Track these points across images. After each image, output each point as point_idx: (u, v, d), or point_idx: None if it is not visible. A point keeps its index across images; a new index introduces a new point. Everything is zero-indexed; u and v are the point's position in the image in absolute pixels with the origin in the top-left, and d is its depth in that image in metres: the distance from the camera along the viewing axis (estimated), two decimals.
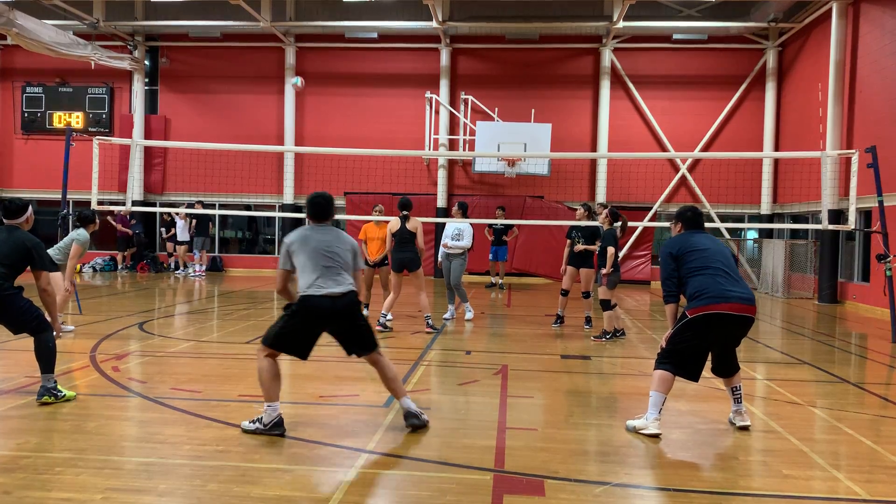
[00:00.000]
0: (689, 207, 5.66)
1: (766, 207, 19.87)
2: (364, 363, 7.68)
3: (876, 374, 8.24)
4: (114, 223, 19.91)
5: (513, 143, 18.35)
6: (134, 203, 14.89)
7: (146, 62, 21.58)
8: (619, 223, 9.48)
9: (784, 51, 19.80)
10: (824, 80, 16.37)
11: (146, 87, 21.63)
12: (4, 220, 5.90)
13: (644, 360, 8.32)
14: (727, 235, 20.20)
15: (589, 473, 4.36)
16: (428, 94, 20.49)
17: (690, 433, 5.28)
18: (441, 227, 19.75)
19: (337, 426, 5.21)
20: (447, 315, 11.28)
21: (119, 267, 20.38)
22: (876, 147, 10.56)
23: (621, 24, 18.65)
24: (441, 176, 20.56)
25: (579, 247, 10.30)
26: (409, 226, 9.85)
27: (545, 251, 19.11)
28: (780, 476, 4.40)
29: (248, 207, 21.36)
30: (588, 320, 10.58)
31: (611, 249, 9.24)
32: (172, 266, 20.41)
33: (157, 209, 19.04)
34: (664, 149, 20.07)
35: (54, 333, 5.74)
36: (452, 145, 20.64)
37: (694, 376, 5.24)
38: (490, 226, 16.58)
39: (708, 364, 5.41)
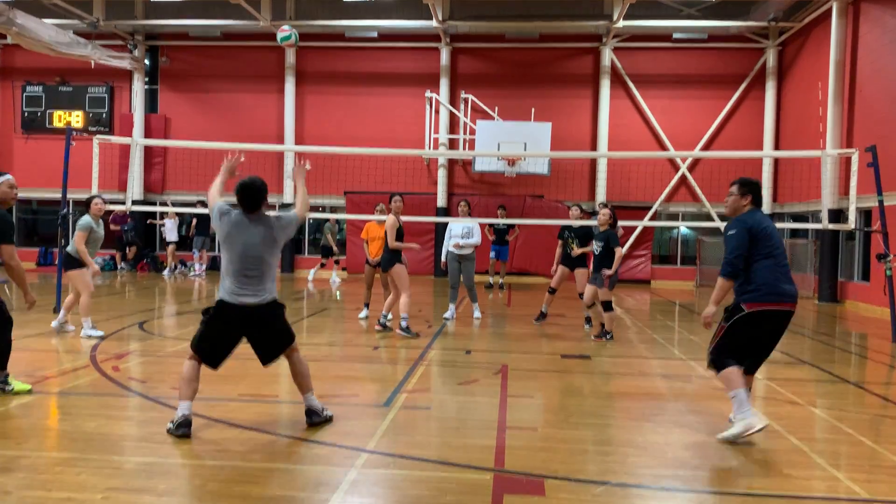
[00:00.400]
0: (756, 181, 5.40)
1: (766, 207, 19.84)
2: (364, 363, 7.72)
3: (876, 374, 8.24)
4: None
5: (513, 142, 18.35)
6: (134, 202, 14.87)
7: (146, 61, 21.58)
8: (618, 224, 9.56)
9: (784, 50, 19.79)
10: (824, 80, 16.36)
11: (146, 87, 21.64)
12: None
13: (644, 360, 8.32)
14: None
15: (589, 473, 4.36)
16: (428, 94, 20.49)
17: (690, 433, 5.27)
18: (441, 226, 19.84)
19: (337, 426, 5.21)
20: (448, 314, 11.25)
21: (118, 267, 20.38)
22: (876, 146, 10.56)
23: (621, 23, 18.65)
24: (441, 175, 20.56)
25: (578, 250, 10.28)
26: (385, 227, 9.72)
27: (545, 250, 19.05)
28: (781, 476, 4.40)
29: None
30: (588, 320, 10.58)
31: (619, 251, 9.27)
32: (172, 267, 20.36)
33: (157, 208, 19.06)
34: (664, 148, 20.07)
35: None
36: (452, 144, 20.64)
37: (752, 369, 5.20)
38: (491, 225, 16.49)
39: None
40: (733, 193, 5.33)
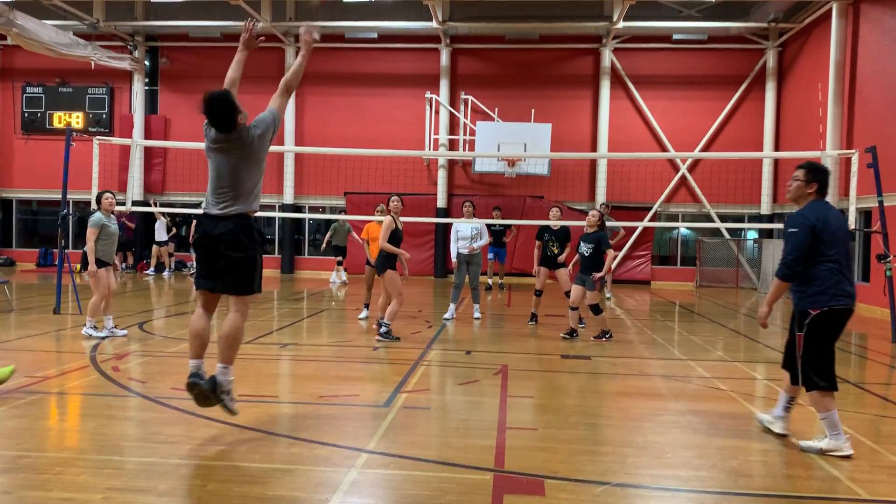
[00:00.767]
0: (823, 166, 4.93)
1: (766, 207, 19.87)
2: (364, 363, 7.71)
3: (876, 374, 8.24)
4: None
5: (513, 143, 18.36)
6: (134, 203, 14.88)
7: (146, 62, 21.60)
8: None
9: (784, 51, 19.80)
10: (824, 80, 16.37)
11: (146, 87, 21.66)
12: None
13: (644, 360, 8.32)
14: (727, 235, 20.21)
15: (589, 473, 4.36)
16: (428, 94, 20.50)
17: (690, 433, 5.27)
18: (441, 226, 19.86)
19: (337, 426, 5.21)
20: (447, 315, 11.26)
21: (123, 267, 20.37)
22: (876, 147, 10.56)
23: (621, 24, 18.66)
24: (441, 176, 20.57)
25: (569, 256, 10.33)
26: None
27: None
28: (781, 476, 4.40)
29: None
30: (580, 319, 10.61)
31: (612, 253, 9.27)
32: (171, 267, 20.36)
33: (156, 208, 19.02)
34: (664, 149, 20.08)
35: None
36: (452, 145, 20.65)
37: (835, 384, 4.84)
38: (488, 226, 16.36)
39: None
40: (798, 179, 4.91)
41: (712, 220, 19.73)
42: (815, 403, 4.83)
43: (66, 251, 11.70)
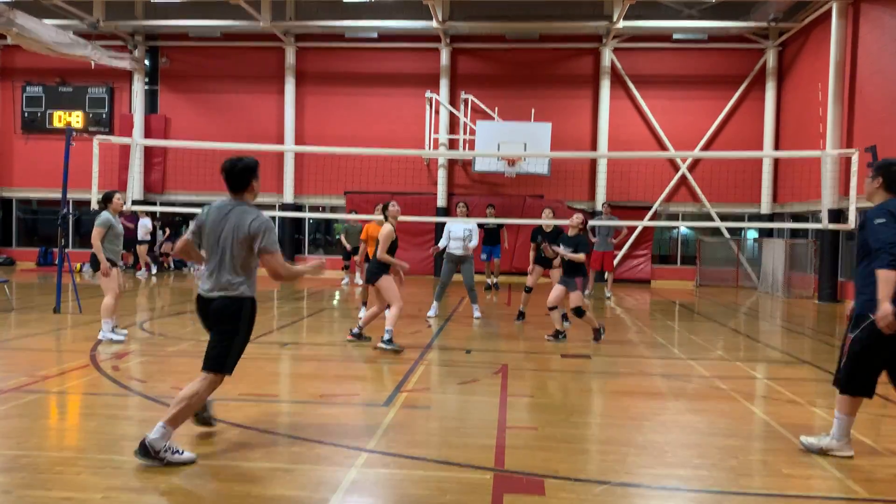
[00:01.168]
0: (890, 160, 4.72)
1: (766, 207, 19.87)
2: (364, 363, 7.71)
3: None
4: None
5: (513, 142, 18.34)
6: (134, 202, 14.88)
7: (146, 62, 21.60)
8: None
9: (784, 51, 19.80)
10: (824, 80, 16.37)
11: (146, 87, 21.66)
12: None
13: (644, 360, 8.32)
14: (727, 235, 20.22)
15: (589, 473, 4.36)
16: (428, 94, 20.50)
17: (690, 433, 5.27)
18: (441, 226, 19.79)
19: (337, 426, 5.21)
20: (431, 312, 11.37)
21: (124, 267, 20.30)
22: (876, 147, 10.55)
23: (621, 23, 18.65)
24: (441, 175, 20.57)
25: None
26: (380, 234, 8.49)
27: None
28: (780, 475, 4.40)
29: None
30: (564, 317, 10.70)
31: (581, 256, 9.10)
32: (158, 268, 20.12)
33: (158, 208, 19.05)
34: (664, 148, 20.08)
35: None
36: (452, 145, 20.65)
37: (871, 393, 4.71)
38: (481, 225, 15.58)
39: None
40: (868, 176, 4.80)
41: (712, 220, 19.73)
42: (841, 404, 4.78)
43: (66, 251, 11.70)
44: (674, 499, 4.06)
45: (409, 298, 13.70)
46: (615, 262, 18.01)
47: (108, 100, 21.74)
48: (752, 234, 20.76)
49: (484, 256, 16.37)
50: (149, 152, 21.39)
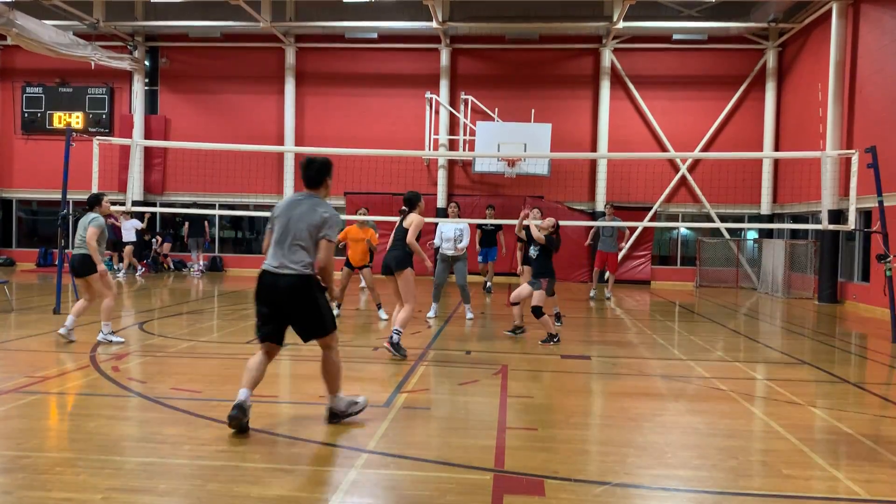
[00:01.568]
0: None
1: (766, 207, 19.87)
2: (367, 362, 7.71)
3: (876, 374, 8.24)
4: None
5: (513, 143, 18.34)
6: (134, 203, 14.88)
7: (146, 62, 21.60)
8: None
9: (784, 51, 19.80)
10: (824, 80, 16.37)
11: (146, 88, 21.65)
12: None
13: (644, 361, 8.32)
14: (727, 235, 20.22)
15: (589, 473, 4.36)
16: (428, 95, 20.50)
17: (690, 433, 5.27)
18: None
19: (337, 426, 5.21)
20: (431, 314, 11.38)
21: (115, 268, 20.27)
22: (876, 147, 10.56)
23: (621, 24, 18.65)
24: (441, 176, 20.58)
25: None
26: (405, 222, 8.47)
27: None
28: (780, 476, 4.40)
29: (247, 207, 21.31)
30: (557, 317, 10.93)
31: (540, 237, 9.16)
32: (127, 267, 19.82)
33: (158, 209, 19.06)
34: (664, 149, 20.08)
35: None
36: (452, 145, 20.65)
37: None
38: (480, 226, 15.53)
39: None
40: None
41: (712, 220, 19.73)
42: None
43: (66, 251, 11.69)
44: (674, 499, 4.06)
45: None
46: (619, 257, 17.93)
47: (108, 100, 21.74)
48: (751, 235, 20.76)
49: (480, 258, 16.02)
50: (149, 153, 21.39)
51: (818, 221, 12.91)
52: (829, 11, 16.21)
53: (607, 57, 20.12)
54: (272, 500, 3.80)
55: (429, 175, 20.81)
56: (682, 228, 20.75)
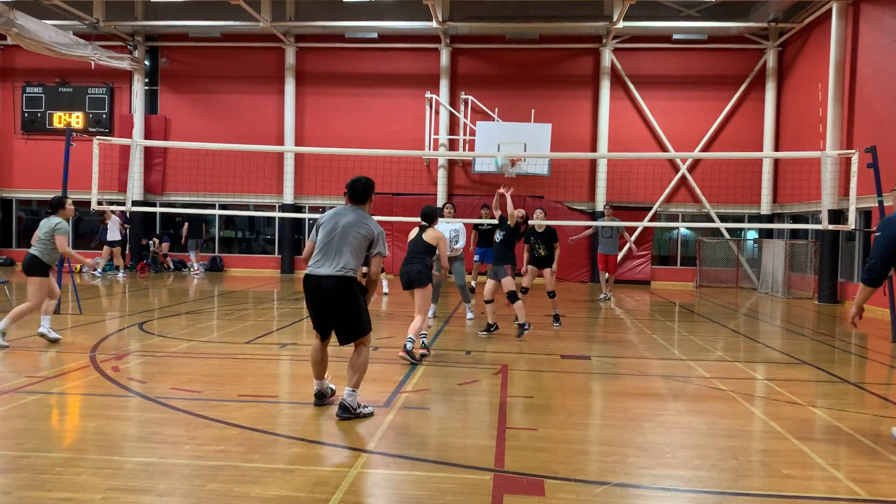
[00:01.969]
0: None
1: (766, 207, 19.87)
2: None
3: (876, 374, 8.24)
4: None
5: (513, 143, 18.33)
6: (134, 203, 14.87)
7: (146, 62, 21.60)
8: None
9: (784, 51, 19.80)
10: (824, 80, 16.37)
11: (146, 87, 21.65)
12: None
13: (644, 361, 8.32)
14: (727, 235, 20.21)
15: (589, 473, 4.36)
16: (428, 95, 20.50)
17: (690, 433, 5.28)
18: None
19: (337, 426, 5.21)
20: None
21: (115, 267, 20.24)
22: (876, 147, 10.56)
23: (621, 24, 18.65)
24: (441, 176, 20.57)
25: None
26: (425, 236, 8.37)
27: None
28: (780, 476, 4.40)
29: (247, 207, 21.31)
30: (556, 318, 11.03)
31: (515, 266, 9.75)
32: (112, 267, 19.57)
33: (158, 209, 19.05)
34: (664, 149, 20.08)
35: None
36: (452, 145, 20.65)
37: None
38: (476, 227, 15.12)
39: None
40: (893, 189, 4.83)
41: (712, 220, 19.73)
42: None
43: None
44: (674, 500, 4.06)
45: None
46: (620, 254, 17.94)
47: (108, 100, 21.74)
48: (751, 235, 20.76)
49: (477, 258, 15.56)
50: (149, 153, 21.39)
51: (818, 221, 12.91)
52: (829, 11, 16.21)
53: (607, 57, 20.12)
54: (272, 500, 3.80)
55: (429, 175, 20.81)
56: (682, 228, 20.75)
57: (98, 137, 12.15)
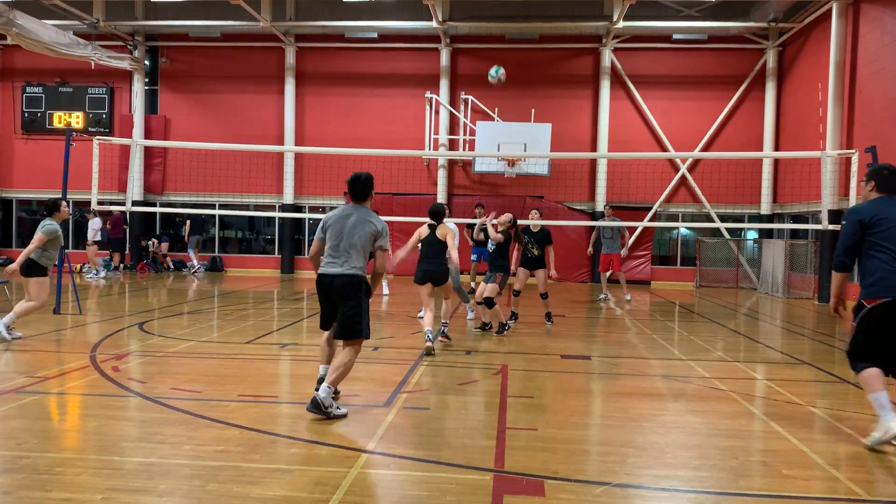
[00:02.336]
0: (885, 166, 5.08)
1: (766, 207, 19.87)
2: (367, 362, 7.71)
3: None
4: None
5: (513, 143, 18.34)
6: (134, 203, 14.88)
7: (146, 62, 21.60)
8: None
9: (784, 51, 19.80)
10: (824, 80, 16.37)
11: (146, 87, 21.65)
12: None
13: (644, 361, 8.32)
14: (727, 235, 20.22)
15: (589, 473, 4.36)
16: (428, 94, 20.50)
17: (690, 433, 5.27)
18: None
19: (337, 426, 5.21)
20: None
21: (114, 268, 20.22)
22: (876, 147, 10.55)
23: (621, 24, 18.66)
24: (441, 176, 20.57)
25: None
26: (438, 233, 8.75)
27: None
28: (780, 476, 4.40)
29: (247, 207, 21.30)
30: (548, 316, 11.08)
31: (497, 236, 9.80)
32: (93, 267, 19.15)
33: (158, 209, 19.05)
34: (664, 149, 20.08)
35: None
36: (452, 145, 20.65)
37: (891, 370, 4.86)
38: (469, 226, 14.62)
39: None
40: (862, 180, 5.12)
41: (712, 220, 19.73)
42: (864, 385, 4.96)
43: (66, 251, 11.69)
44: (674, 499, 4.05)
45: (408, 299, 13.73)
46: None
47: (108, 100, 21.74)
48: (751, 235, 20.76)
49: (474, 258, 14.99)
50: (149, 153, 21.39)
51: (818, 221, 12.90)
52: (829, 11, 16.21)
53: (607, 57, 20.12)
54: (272, 501, 3.80)
55: (429, 175, 20.81)
56: (682, 228, 20.75)
57: (98, 137, 12.15)
